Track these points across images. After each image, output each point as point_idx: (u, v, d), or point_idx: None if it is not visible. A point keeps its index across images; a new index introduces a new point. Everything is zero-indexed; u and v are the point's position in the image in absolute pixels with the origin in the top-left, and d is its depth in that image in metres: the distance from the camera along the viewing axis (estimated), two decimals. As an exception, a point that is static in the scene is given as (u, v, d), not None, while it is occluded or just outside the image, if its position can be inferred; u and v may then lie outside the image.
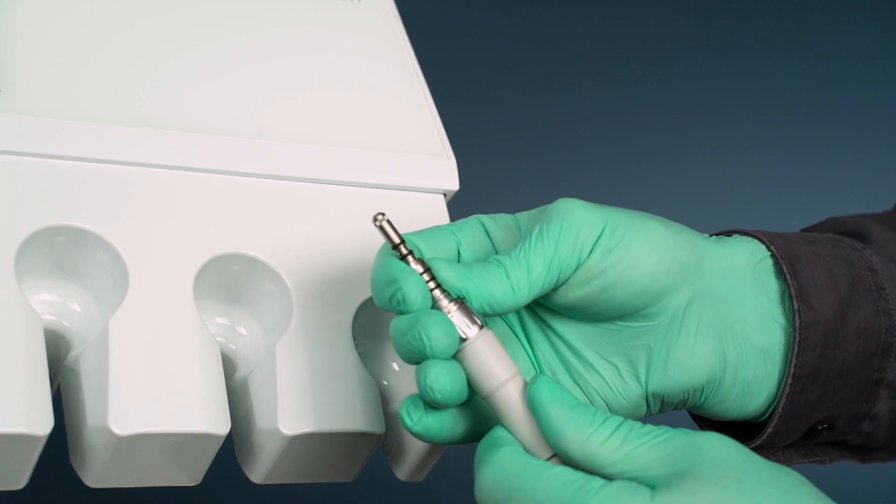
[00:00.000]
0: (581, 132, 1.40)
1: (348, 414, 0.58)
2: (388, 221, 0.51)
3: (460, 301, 0.52)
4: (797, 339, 0.56)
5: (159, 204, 0.59)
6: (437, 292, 0.52)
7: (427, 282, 0.52)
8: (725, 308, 0.56)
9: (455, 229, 0.55)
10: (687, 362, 0.56)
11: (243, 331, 0.61)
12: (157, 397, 0.54)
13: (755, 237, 0.58)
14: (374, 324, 0.62)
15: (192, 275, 0.58)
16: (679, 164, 1.40)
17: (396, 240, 0.52)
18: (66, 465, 0.57)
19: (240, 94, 0.64)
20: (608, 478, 0.49)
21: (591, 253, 0.53)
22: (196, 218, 0.59)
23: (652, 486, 0.48)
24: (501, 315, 0.55)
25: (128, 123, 0.60)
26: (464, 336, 0.51)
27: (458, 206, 0.68)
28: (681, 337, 0.56)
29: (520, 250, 0.53)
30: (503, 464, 0.50)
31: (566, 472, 0.49)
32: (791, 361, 0.56)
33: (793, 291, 0.56)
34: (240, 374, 0.60)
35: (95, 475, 0.55)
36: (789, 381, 0.56)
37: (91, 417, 0.54)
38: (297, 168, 0.63)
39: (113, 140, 0.59)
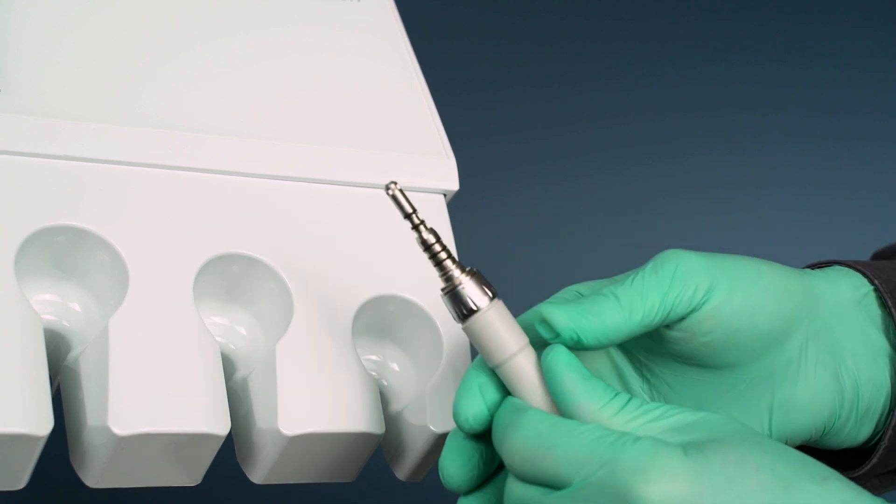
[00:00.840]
0: (581, 132, 1.40)
1: (348, 414, 0.58)
2: (401, 190, 0.52)
3: (473, 272, 0.52)
4: None
5: (159, 204, 0.59)
6: (448, 263, 0.52)
7: (438, 253, 0.52)
8: (838, 344, 0.57)
9: (555, 301, 0.55)
10: (808, 404, 0.56)
11: (243, 331, 0.61)
12: (157, 397, 0.54)
13: (857, 270, 0.59)
14: (374, 324, 0.62)
15: (192, 275, 0.58)
16: (679, 164, 1.40)
17: (408, 209, 0.52)
18: (66, 465, 0.56)
19: (240, 94, 0.64)
20: None
21: (707, 297, 0.53)
22: (196, 218, 0.59)
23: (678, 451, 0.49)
24: (615, 344, 0.55)
25: (128, 123, 0.60)
26: (475, 308, 0.52)
27: (458, 206, 0.68)
28: (800, 379, 0.56)
29: (632, 281, 0.53)
30: (534, 424, 0.50)
31: (598, 427, 0.49)
32: None
33: None
34: (240, 374, 0.60)
35: (95, 475, 0.55)
36: None
37: (91, 417, 0.54)
38: (297, 168, 0.63)
39: (113, 140, 0.59)
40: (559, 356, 0.52)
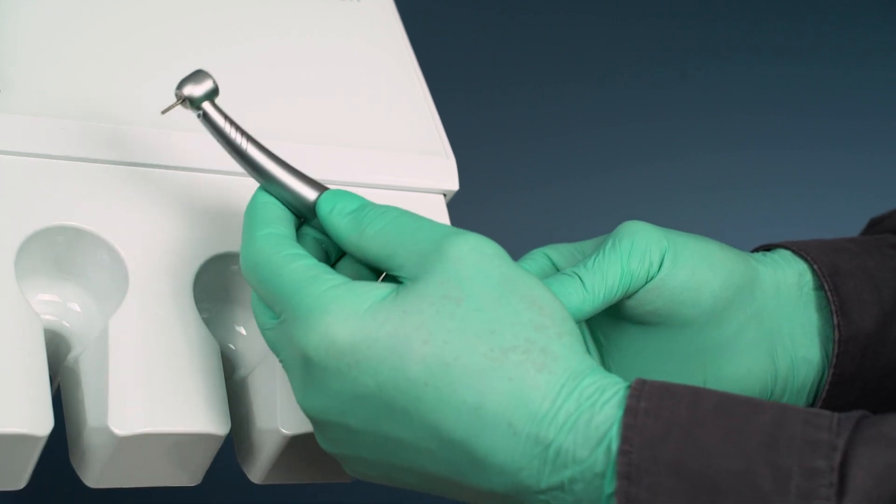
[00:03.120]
0: (581, 132, 1.40)
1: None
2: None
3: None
4: (835, 350, 0.59)
5: (159, 204, 0.59)
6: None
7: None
8: (776, 326, 0.59)
9: (524, 264, 0.58)
10: (742, 379, 0.58)
11: (243, 331, 0.61)
12: (157, 397, 0.54)
13: (800, 255, 0.61)
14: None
15: (192, 275, 0.58)
16: (679, 164, 1.40)
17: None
18: (66, 465, 0.57)
19: (240, 95, 0.64)
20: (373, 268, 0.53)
21: (660, 268, 0.56)
22: (196, 218, 0.59)
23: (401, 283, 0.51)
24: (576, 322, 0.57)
25: (128, 123, 0.60)
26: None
27: (458, 206, 0.67)
28: (735, 355, 0.58)
29: (594, 261, 0.56)
30: (255, 251, 0.52)
31: (303, 268, 0.51)
32: (829, 371, 0.59)
33: (833, 307, 0.59)
34: (240, 374, 0.60)
35: (95, 475, 0.55)
36: (826, 387, 0.59)
37: (91, 417, 0.54)
38: (298, 168, 0.62)
39: (113, 140, 0.59)
40: (323, 202, 0.54)
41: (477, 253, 0.51)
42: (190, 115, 0.55)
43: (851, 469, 0.45)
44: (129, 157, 0.59)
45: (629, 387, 0.48)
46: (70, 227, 0.56)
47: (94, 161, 0.58)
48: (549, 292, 0.51)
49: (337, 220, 0.53)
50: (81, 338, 0.57)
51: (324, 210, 0.54)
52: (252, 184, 0.62)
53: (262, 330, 0.53)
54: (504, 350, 0.49)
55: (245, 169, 0.55)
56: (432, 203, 0.65)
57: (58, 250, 0.57)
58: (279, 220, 0.54)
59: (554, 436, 0.48)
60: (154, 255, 0.57)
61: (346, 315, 0.50)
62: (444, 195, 0.66)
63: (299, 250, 0.52)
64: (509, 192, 1.29)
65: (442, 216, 0.65)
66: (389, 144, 0.66)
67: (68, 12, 0.63)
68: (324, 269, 0.51)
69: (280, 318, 0.52)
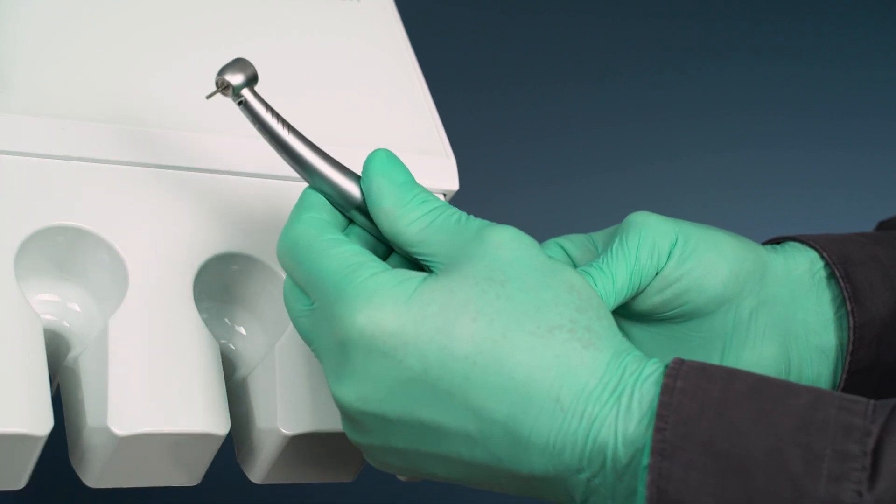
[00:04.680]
0: (581, 132, 1.40)
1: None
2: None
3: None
4: (851, 338, 0.59)
5: (159, 204, 0.59)
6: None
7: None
8: (788, 313, 0.60)
9: None
10: (753, 366, 0.59)
11: (243, 331, 0.61)
12: (156, 397, 0.54)
13: (810, 246, 0.61)
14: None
15: (192, 275, 0.58)
16: (679, 164, 1.40)
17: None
18: (66, 465, 0.57)
19: (240, 94, 0.64)
20: (409, 256, 0.53)
21: (667, 260, 0.57)
22: (196, 218, 0.59)
23: (434, 270, 0.52)
24: None
25: (128, 123, 0.60)
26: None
27: (458, 206, 0.67)
28: (747, 342, 0.59)
29: (603, 261, 0.57)
30: (296, 233, 0.52)
31: (347, 254, 0.51)
32: (846, 359, 0.59)
33: (846, 294, 0.59)
34: (240, 374, 0.60)
35: (95, 475, 0.55)
36: (844, 375, 0.59)
37: (91, 417, 0.54)
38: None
39: (113, 140, 0.59)
40: (377, 158, 0.54)
41: (517, 241, 0.51)
42: (190, 115, 0.55)
43: (885, 454, 0.46)
44: (130, 157, 0.59)
45: (667, 366, 0.49)
46: (70, 227, 0.56)
47: (95, 161, 0.58)
48: (583, 279, 0.52)
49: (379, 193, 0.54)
50: (81, 338, 0.57)
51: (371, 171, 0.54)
52: (252, 184, 0.62)
53: (296, 317, 0.53)
54: (550, 328, 0.49)
55: (283, 158, 0.54)
56: (432, 203, 0.65)
57: (58, 250, 0.57)
58: (323, 208, 0.54)
59: (598, 412, 0.48)
60: (154, 255, 0.57)
61: (393, 298, 0.50)
62: (444, 195, 0.66)
63: (342, 236, 0.52)
64: (509, 192, 1.29)
65: (442, 216, 0.65)
66: (389, 144, 0.66)
67: (68, 12, 0.63)
68: (369, 255, 0.51)
69: (315, 305, 0.52)
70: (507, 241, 0.51)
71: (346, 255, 0.51)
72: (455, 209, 0.53)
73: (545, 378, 0.49)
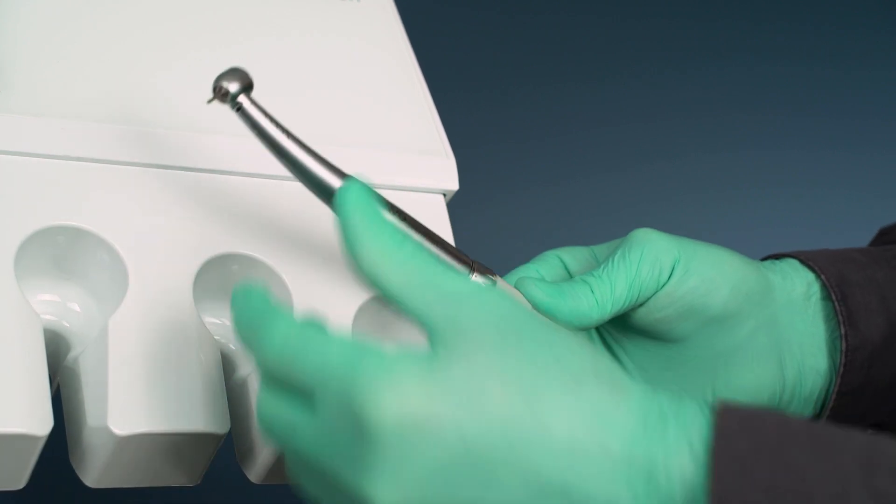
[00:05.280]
0: (581, 132, 1.40)
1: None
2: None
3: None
4: (842, 360, 0.60)
5: (159, 204, 0.59)
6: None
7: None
8: (785, 335, 0.60)
9: (535, 265, 0.60)
10: (750, 386, 0.59)
11: (243, 331, 0.61)
12: (156, 397, 0.54)
13: (807, 265, 0.62)
14: (375, 323, 0.62)
15: (192, 275, 0.58)
16: (679, 164, 1.40)
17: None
18: (66, 465, 0.56)
19: (240, 94, 0.64)
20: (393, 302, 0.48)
21: (669, 277, 0.57)
22: (196, 218, 0.59)
23: (430, 333, 0.47)
24: (586, 329, 0.59)
25: (128, 123, 0.60)
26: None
27: (459, 206, 0.67)
28: (745, 364, 0.59)
29: (603, 270, 0.57)
30: (283, 337, 0.48)
31: (343, 339, 0.47)
32: (836, 381, 0.60)
33: (840, 318, 0.60)
34: (240, 374, 0.60)
35: (95, 475, 0.55)
36: (834, 396, 0.60)
37: (91, 417, 0.54)
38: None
39: (113, 140, 0.59)
40: (350, 192, 0.49)
41: (508, 298, 0.48)
42: (190, 115, 0.55)
43: None
44: (130, 157, 0.59)
45: (712, 406, 0.47)
46: (70, 227, 0.56)
47: (95, 161, 0.58)
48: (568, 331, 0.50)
49: (359, 222, 0.49)
50: (81, 338, 0.57)
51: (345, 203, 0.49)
52: (252, 184, 0.62)
53: (294, 435, 0.48)
54: (576, 377, 0.47)
55: (282, 163, 0.55)
56: (432, 203, 0.65)
57: (58, 250, 0.57)
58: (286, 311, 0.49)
59: (647, 454, 0.46)
60: (154, 255, 0.57)
61: (414, 380, 0.45)
62: (444, 195, 0.66)
63: (325, 328, 0.48)
64: (509, 192, 1.29)
65: (442, 216, 0.65)
66: (389, 144, 0.66)
67: (68, 12, 0.63)
68: (365, 341, 0.47)
69: (316, 412, 0.47)
70: (498, 300, 0.48)
71: (341, 339, 0.47)
72: (430, 254, 0.49)
73: (588, 428, 0.46)
